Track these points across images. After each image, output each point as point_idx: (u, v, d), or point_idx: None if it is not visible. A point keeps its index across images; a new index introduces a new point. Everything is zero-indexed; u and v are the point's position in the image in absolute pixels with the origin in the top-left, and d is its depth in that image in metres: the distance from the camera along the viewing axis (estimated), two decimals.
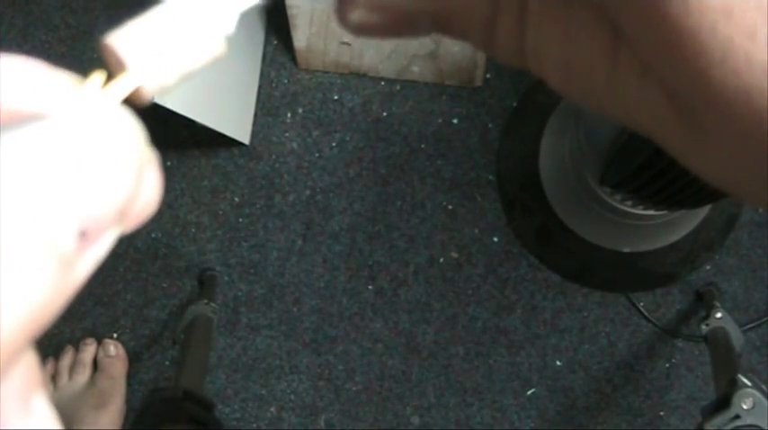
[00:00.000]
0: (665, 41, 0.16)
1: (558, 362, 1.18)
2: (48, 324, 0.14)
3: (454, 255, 1.20)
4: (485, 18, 0.21)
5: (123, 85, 0.17)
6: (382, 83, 1.23)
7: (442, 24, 0.22)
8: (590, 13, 0.18)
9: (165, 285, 1.23)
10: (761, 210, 1.17)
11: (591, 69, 0.19)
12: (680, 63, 0.16)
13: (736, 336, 1.00)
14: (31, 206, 0.13)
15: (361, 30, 0.23)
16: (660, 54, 0.17)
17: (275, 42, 1.24)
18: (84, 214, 0.14)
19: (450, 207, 1.21)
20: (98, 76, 0.17)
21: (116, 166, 0.15)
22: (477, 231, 1.20)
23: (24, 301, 0.13)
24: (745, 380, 0.82)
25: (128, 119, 0.15)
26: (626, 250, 1.15)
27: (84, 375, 1.17)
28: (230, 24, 0.19)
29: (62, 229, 0.14)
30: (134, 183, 0.15)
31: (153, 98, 0.18)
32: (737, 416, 0.80)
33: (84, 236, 0.14)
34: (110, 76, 0.17)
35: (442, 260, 1.20)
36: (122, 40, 0.17)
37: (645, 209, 0.98)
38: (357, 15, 0.22)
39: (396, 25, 0.22)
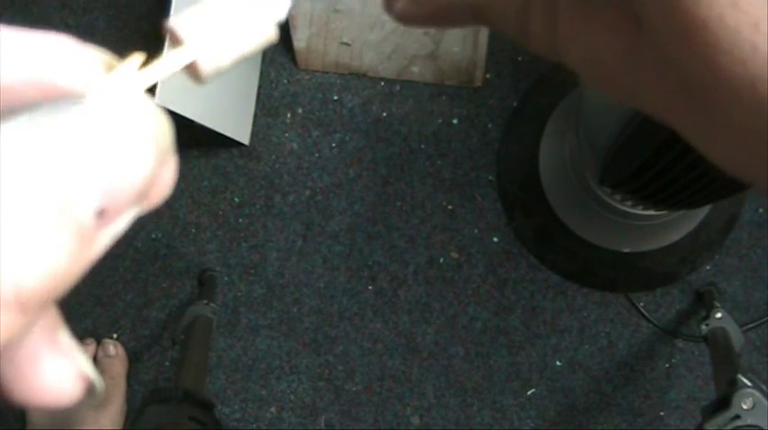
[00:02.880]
0: (678, 31, 0.17)
1: (557, 363, 1.18)
2: (66, 288, 0.15)
3: (454, 255, 1.20)
4: (519, 11, 0.22)
5: (180, 57, 0.18)
6: (382, 83, 1.23)
7: (479, 16, 0.23)
8: (614, 6, 0.20)
9: (164, 285, 1.23)
10: (761, 211, 1.17)
11: (614, 60, 0.20)
12: (691, 52, 0.17)
13: (736, 337, 1.00)
14: (54, 184, 0.14)
15: (404, 18, 0.24)
16: (674, 43, 0.18)
17: (275, 43, 1.24)
18: (104, 194, 0.15)
19: (450, 207, 1.21)
20: (136, 58, 0.18)
21: (137, 151, 0.16)
22: (476, 231, 1.20)
23: (44, 264, 0.14)
24: (745, 381, 0.82)
25: (153, 107, 0.16)
26: (626, 250, 1.15)
27: None
28: (282, 11, 0.20)
29: (82, 206, 0.15)
30: (154, 168, 0.16)
31: (209, 78, 0.19)
32: (737, 416, 0.80)
33: (103, 213, 0.15)
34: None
35: (441, 260, 1.20)
36: (182, 21, 0.19)
37: (645, 209, 0.98)
38: (401, 4, 0.24)
39: (437, 15, 0.24)
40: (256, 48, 0.20)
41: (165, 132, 0.17)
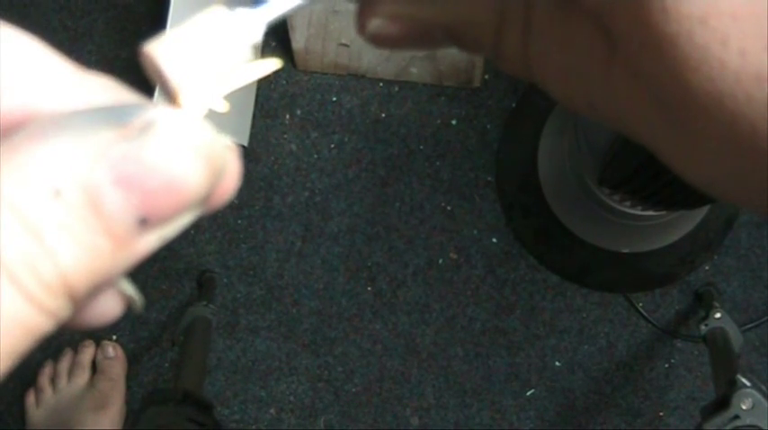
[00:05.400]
0: (648, 47, 0.17)
1: (557, 363, 1.18)
2: (113, 279, 0.17)
3: (453, 256, 1.20)
4: (493, 30, 0.22)
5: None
6: (381, 84, 1.23)
7: (454, 36, 0.23)
8: (588, 22, 0.19)
9: (164, 287, 1.23)
10: None
11: (588, 77, 0.20)
12: (661, 67, 0.17)
13: (736, 337, 1.00)
14: (94, 202, 0.16)
15: (377, 39, 0.23)
16: (645, 58, 0.18)
17: (273, 44, 1.24)
18: (142, 210, 0.16)
19: (448, 208, 1.21)
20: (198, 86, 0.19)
21: (181, 171, 0.16)
22: (476, 232, 1.20)
23: (86, 267, 0.16)
24: (745, 381, 0.82)
25: (204, 130, 0.17)
26: (625, 250, 1.15)
27: (83, 377, 1.17)
28: (257, 33, 0.20)
29: (119, 220, 0.16)
30: (201, 186, 0.17)
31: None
32: (737, 417, 0.80)
33: (145, 222, 0.16)
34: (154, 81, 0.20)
35: (441, 261, 1.20)
36: (161, 50, 0.19)
37: (643, 209, 0.98)
38: (374, 25, 0.23)
39: (411, 36, 0.23)
40: (231, 67, 0.20)
41: (216, 152, 0.17)
